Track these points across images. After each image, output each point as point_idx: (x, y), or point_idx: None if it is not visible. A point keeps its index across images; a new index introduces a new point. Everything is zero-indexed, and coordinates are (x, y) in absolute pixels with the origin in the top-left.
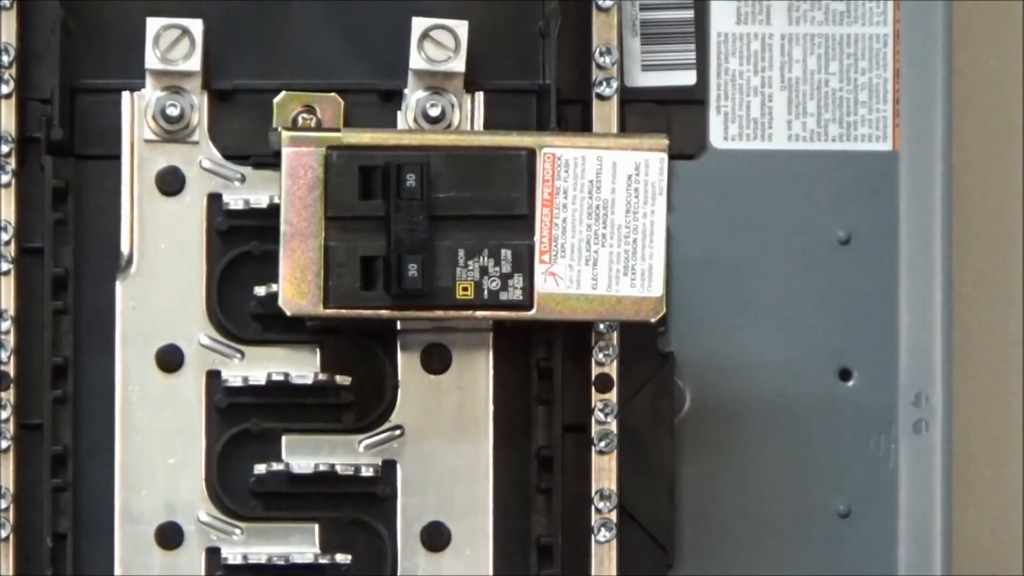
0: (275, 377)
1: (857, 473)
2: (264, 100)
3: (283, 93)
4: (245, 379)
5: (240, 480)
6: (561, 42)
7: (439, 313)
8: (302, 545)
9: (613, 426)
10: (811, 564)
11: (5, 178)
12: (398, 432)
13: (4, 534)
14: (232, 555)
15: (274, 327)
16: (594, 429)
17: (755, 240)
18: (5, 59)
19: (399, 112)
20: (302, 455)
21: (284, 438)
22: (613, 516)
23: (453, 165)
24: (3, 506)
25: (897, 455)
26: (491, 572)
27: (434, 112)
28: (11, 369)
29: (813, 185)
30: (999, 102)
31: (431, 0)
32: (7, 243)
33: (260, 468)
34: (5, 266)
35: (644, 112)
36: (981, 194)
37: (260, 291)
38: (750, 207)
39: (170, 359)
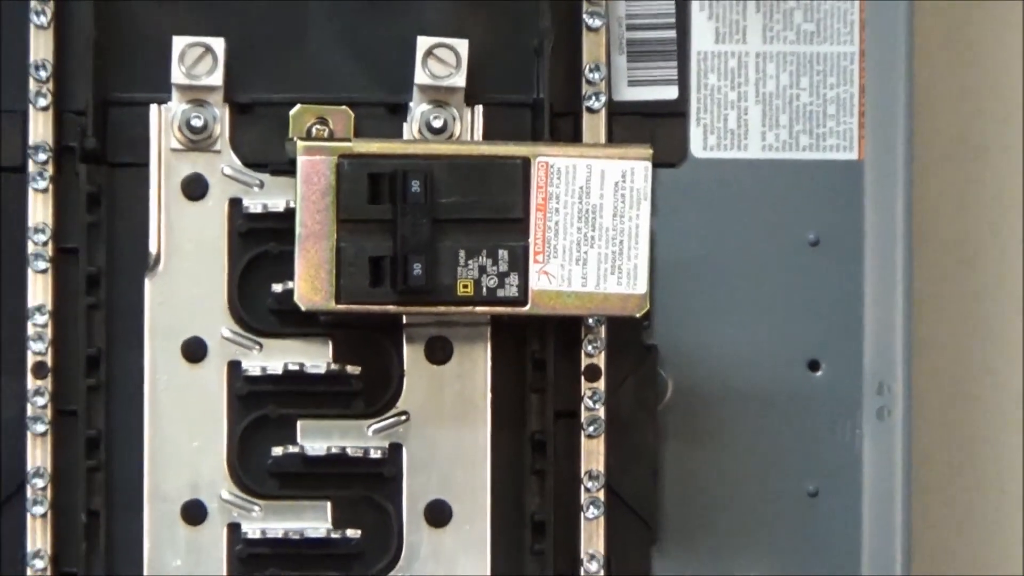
0: (291, 367)
1: (825, 456)
2: (281, 112)
3: (298, 106)
4: (263, 369)
5: (259, 461)
6: (554, 60)
7: (441, 309)
8: (315, 521)
9: (601, 412)
10: (783, 539)
11: (43, 184)
12: (404, 418)
13: (42, 511)
14: (251, 530)
15: (290, 321)
16: (583, 415)
17: (732, 242)
18: (43, 74)
19: (405, 124)
20: (316, 439)
21: (299, 423)
22: (601, 495)
23: (454, 172)
24: (41, 485)
25: (861, 439)
26: (488, 546)
27: (437, 124)
28: (49, 359)
29: (785, 191)
30: (957, 114)
31: (434, 20)
32: (45, 244)
33: (277, 450)
34: (43, 265)
35: (630, 124)
36: (940, 199)
37: (277, 288)
38: (727, 211)
39: (194, 350)
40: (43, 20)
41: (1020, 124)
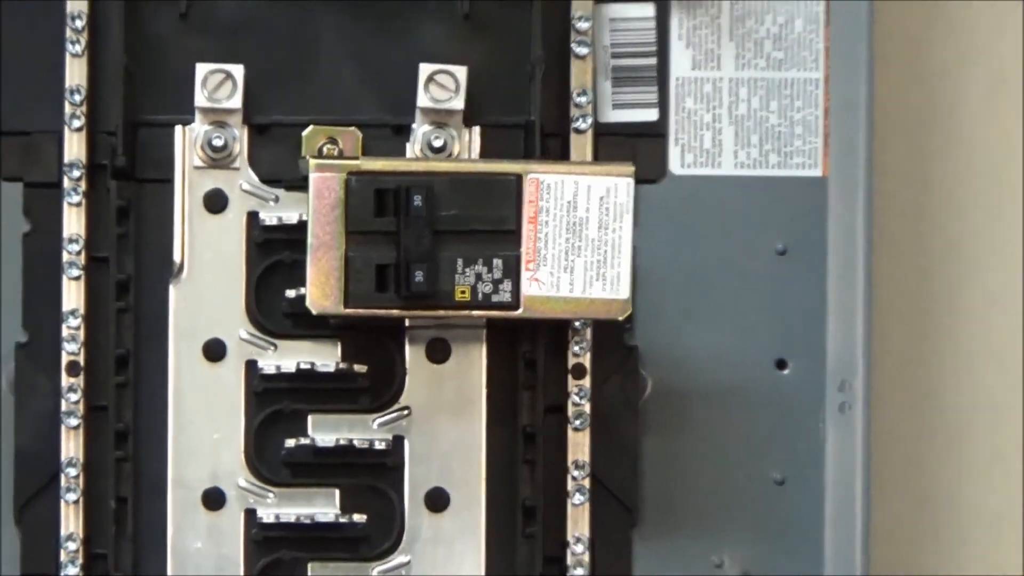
0: (303, 366)
1: (791, 447)
2: (295, 133)
3: (311, 127)
4: (278, 367)
5: (273, 452)
6: (544, 85)
7: (441, 312)
8: (325, 507)
9: (586, 407)
10: (753, 523)
11: (77, 198)
12: (406, 412)
13: (75, 498)
14: (266, 515)
15: (302, 324)
16: (570, 410)
17: (706, 251)
18: (77, 98)
19: (408, 143)
20: (325, 431)
21: (310, 417)
22: (586, 483)
23: (453, 188)
24: (74, 474)
25: (825, 432)
26: (483, 530)
27: (437, 143)
28: (81, 359)
29: (755, 205)
30: (914, 135)
31: (436, 48)
32: (78, 253)
33: (290, 442)
34: (76, 272)
35: (614, 144)
36: (898, 211)
37: (291, 293)
38: (703, 224)
39: (214, 351)
40: (78, 49)
41: (972, 144)
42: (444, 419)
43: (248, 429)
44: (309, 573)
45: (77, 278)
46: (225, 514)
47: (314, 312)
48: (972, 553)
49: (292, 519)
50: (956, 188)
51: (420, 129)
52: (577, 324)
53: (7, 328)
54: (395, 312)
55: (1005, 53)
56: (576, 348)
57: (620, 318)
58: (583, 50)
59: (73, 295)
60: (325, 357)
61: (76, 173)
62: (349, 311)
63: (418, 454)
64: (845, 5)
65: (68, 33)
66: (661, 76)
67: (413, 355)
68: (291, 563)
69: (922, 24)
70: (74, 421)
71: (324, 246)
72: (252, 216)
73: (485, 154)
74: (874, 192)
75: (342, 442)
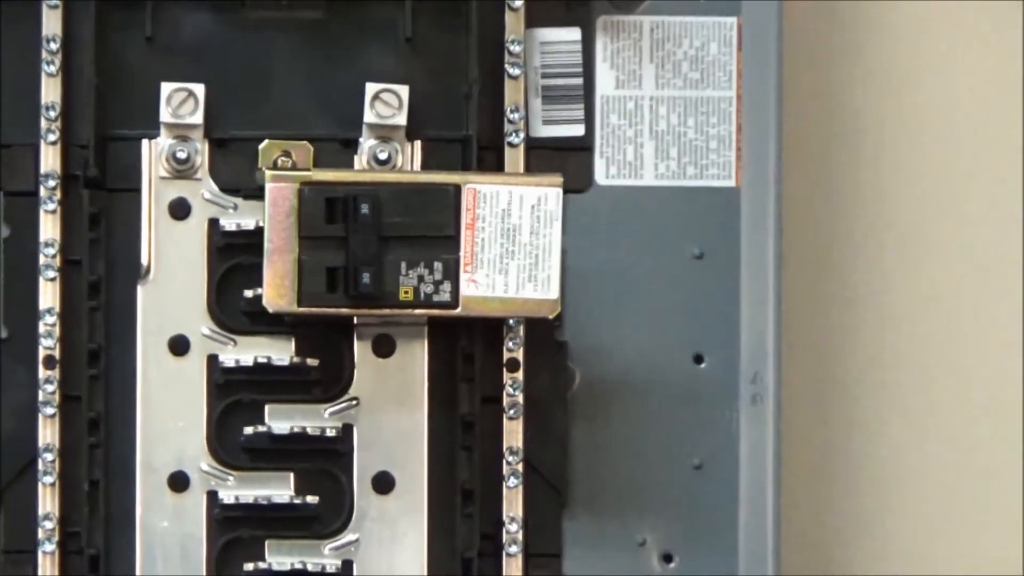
0: (260, 360)
1: (708, 434)
2: (252, 147)
3: (266, 141)
4: (237, 361)
5: (233, 439)
6: (480, 102)
7: (386, 311)
8: (280, 489)
9: (520, 398)
10: (673, 505)
11: (52, 206)
12: (355, 402)
13: (51, 480)
14: (227, 496)
15: (259, 321)
16: (505, 400)
17: (629, 255)
18: (52, 114)
19: (355, 156)
20: (281, 419)
21: (267, 407)
22: (520, 467)
23: (397, 197)
24: (51, 459)
25: (738, 421)
26: (426, 510)
27: (383, 156)
28: (57, 353)
29: (674, 212)
30: (820, 148)
31: (381, 69)
32: (54, 256)
33: (248, 430)
34: (52, 274)
35: (544, 156)
36: (805, 218)
37: (249, 293)
38: (626, 230)
39: (179, 346)
40: (52, 69)
41: (875, 155)
42: (389, 409)
43: (210, 418)
44: (266, 550)
45: (53, 279)
46: (189, 495)
47: (270, 310)
48: (877, 532)
49: (251, 500)
50: (858, 196)
51: (366, 143)
52: (511, 322)
53: None
54: (344, 311)
55: (904, 72)
56: (510, 344)
57: (550, 316)
58: (516, 71)
59: (49, 295)
60: (280, 352)
61: (51, 183)
62: (302, 310)
63: (366, 441)
64: (756, 30)
65: (43, 54)
66: (587, 94)
67: (361, 350)
68: (250, 541)
69: (828, 47)
70: (50, 410)
71: (279, 250)
72: (213, 223)
73: (426, 166)
74: (783, 200)
75: (296, 430)
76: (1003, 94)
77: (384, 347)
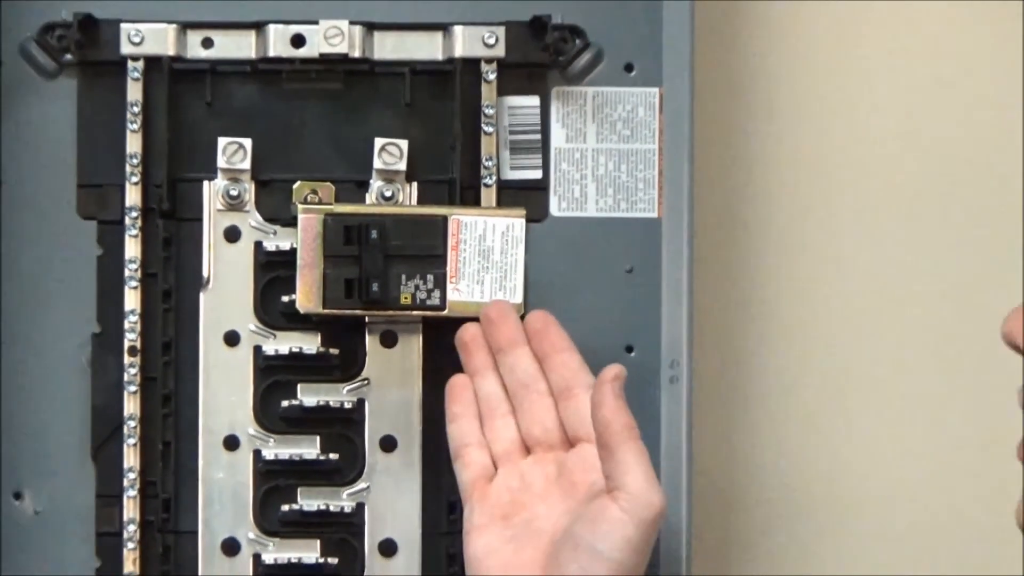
0: (293, 349)
1: (637, 409)
2: (287, 186)
3: (299, 182)
4: (276, 350)
5: (273, 410)
6: (462, 153)
7: (390, 312)
8: (309, 448)
9: None
10: None
11: (135, 232)
12: (366, 382)
13: (134, 441)
14: (268, 454)
15: (293, 320)
16: None
17: (576, 269)
18: (135, 161)
19: (367, 194)
20: (309, 395)
21: (299, 385)
22: None
23: (399, 225)
24: (133, 425)
25: (660, 399)
26: (420, 464)
27: (388, 194)
28: (138, 344)
29: (611, 237)
30: (724, 187)
31: (387, 126)
32: (135, 270)
33: (285, 403)
34: (135, 284)
35: (511, 194)
36: (711, 241)
37: (285, 299)
38: (574, 250)
39: (231, 339)
40: (135, 127)
41: (766, 190)
42: (393, 387)
43: (255, 394)
44: (298, 495)
45: (135, 288)
46: (239, 453)
47: (301, 312)
48: (774, 483)
49: (286, 457)
50: (753, 221)
51: (375, 184)
52: None
53: (86, 323)
54: (358, 312)
55: (789, 129)
56: None
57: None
58: (490, 129)
59: (132, 300)
60: (309, 343)
61: (134, 214)
62: (326, 311)
63: (374, 411)
64: (673, 98)
65: (128, 116)
66: (544, 147)
67: (371, 342)
68: (286, 488)
69: (729, 110)
70: (133, 388)
71: (308, 266)
72: (258, 245)
73: (421, 201)
74: (694, 227)
75: (321, 403)
76: (889, 138)
77: (389, 340)
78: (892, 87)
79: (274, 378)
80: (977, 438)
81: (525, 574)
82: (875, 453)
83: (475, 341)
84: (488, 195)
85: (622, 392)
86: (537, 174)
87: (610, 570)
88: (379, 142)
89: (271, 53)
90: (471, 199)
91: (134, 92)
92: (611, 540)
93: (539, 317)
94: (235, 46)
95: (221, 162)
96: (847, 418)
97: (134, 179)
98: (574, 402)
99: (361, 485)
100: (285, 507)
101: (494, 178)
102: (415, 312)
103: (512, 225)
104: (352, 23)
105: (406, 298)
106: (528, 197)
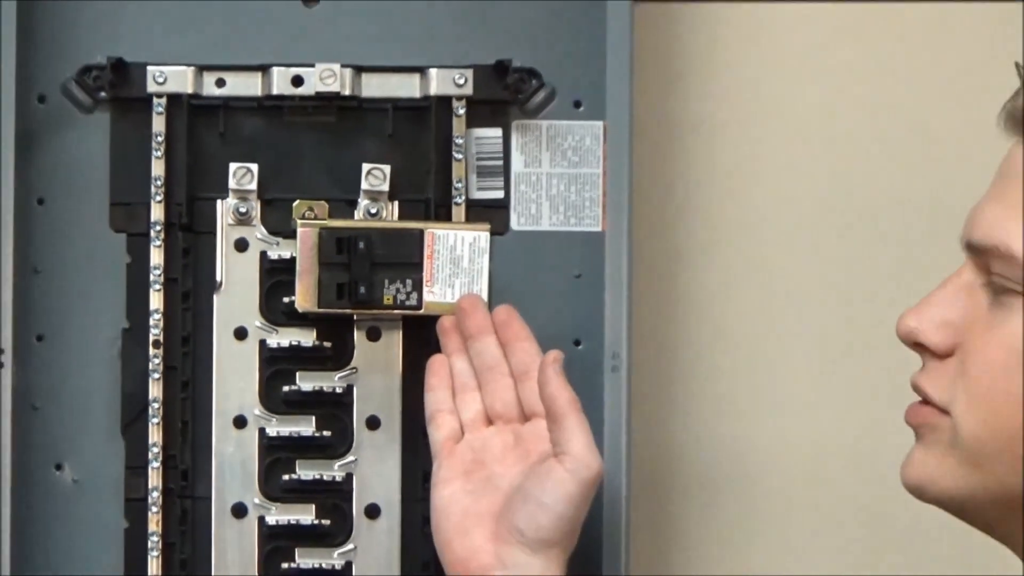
0: (293, 343)
1: (585, 394)
2: (288, 205)
3: (297, 201)
4: (278, 344)
5: (276, 394)
6: (436, 176)
7: (375, 311)
8: (306, 427)
9: None
10: None
11: (158, 243)
12: (355, 371)
13: (157, 421)
14: (271, 432)
15: (293, 317)
16: None
17: (533, 275)
18: (159, 183)
19: (356, 211)
20: (307, 382)
21: (298, 373)
22: None
23: (383, 237)
24: (157, 407)
25: (603, 385)
26: (400, 440)
27: (373, 211)
28: (161, 338)
29: (563, 247)
30: (658, 205)
31: (373, 152)
32: (159, 275)
33: (286, 388)
34: (158, 286)
35: (478, 212)
36: (647, 250)
37: (286, 300)
38: (531, 259)
39: (241, 334)
40: (159, 153)
41: (698, 206)
42: (377, 375)
43: (261, 380)
44: (297, 466)
45: (159, 290)
46: (247, 431)
47: (300, 311)
48: (706, 457)
49: (287, 434)
50: (684, 234)
51: (363, 202)
52: None
53: (117, 320)
54: (348, 311)
55: (717, 154)
56: None
57: None
58: (459, 156)
59: (156, 300)
60: (306, 338)
61: (158, 228)
62: (321, 310)
63: (362, 395)
64: (615, 129)
65: (153, 144)
66: (506, 171)
67: (359, 336)
68: (286, 460)
69: (664, 138)
70: (156, 375)
71: (306, 271)
72: (263, 254)
73: (402, 217)
74: (633, 239)
75: (316, 388)
76: (796, 163)
77: (374, 335)
78: (799, 121)
79: (276, 367)
80: (882, 419)
81: (481, 521)
82: (785, 432)
83: (452, 328)
84: (458, 212)
85: (562, 371)
86: (500, 194)
87: (552, 520)
88: (366, 167)
89: (275, 91)
90: (444, 215)
91: (158, 124)
92: (555, 495)
93: (504, 310)
94: (244, 85)
95: (232, 184)
96: (762, 402)
97: (158, 198)
98: (531, 384)
99: (350, 458)
100: (285, 476)
101: (463, 198)
102: (396, 311)
103: (478, 237)
104: (343, 66)
105: (388, 299)
106: (492, 214)
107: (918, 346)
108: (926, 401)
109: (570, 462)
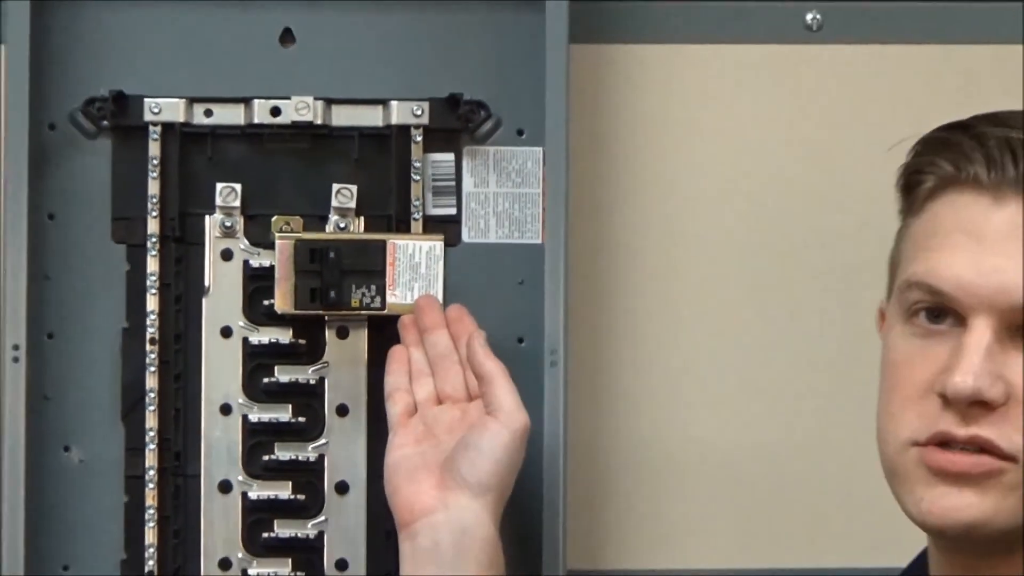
0: (272, 340)
1: (527, 387)
2: (267, 220)
3: (276, 216)
4: (260, 341)
5: (257, 384)
6: (397, 195)
7: (344, 312)
8: (283, 414)
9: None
10: None
11: (154, 252)
12: (326, 364)
13: (153, 408)
14: (253, 418)
15: (272, 318)
16: None
17: (483, 283)
18: (154, 200)
19: (327, 225)
20: (285, 375)
21: (276, 367)
22: None
23: (351, 248)
24: (153, 396)
25: (543, 379)
26: (366, 425)
27: (343, 224)
28: (156, 335)
29: (507, 257)
30: (592, 220)
31: (341, 174)
32: (154, 281)
33: (266, 380)
34: (154, 290)
35: (433, 225)
36: (582, 260)
37: (266, 303)
38: (480, 268)
39: (227, 332)
40: (154, 174)
41: (636, 220)
42: (345, 368)
43: (244, 372)
44: (275, 448)
45: (154, 294)
46: (231, 418)
47: (278, 312)
48: (644, 450)
49: (267, 420)
50: (616, 247)
51: (333, 218)
52: None
53: (118, 320)
54: (320, 312)
55: (649, 177)
56: None
57: None
58: (417, 177)
59: (152, 303)
60: (284, 336)
61: (153, 239)
62: (297, 312)
63: (332, 386)
64: (553, 154)
65: (149, 166)
66: (458, 191)
67: (330, 335)
68: (266, 443)
69: (600, 163)
70: (152, 368)
71: (284, 278)
72: (246, 263)
73: (367, 230)
74: (569, 249)
75: (292, 380)
76: (717, 181)
77: (343, 333)
78: (715, 146)
79: (258, 361)
80: (795, 411)
81: (429, 472)
82: (698, 424)
83: (411, 324)
84: (416, 226)
85: (487, 344)
86: (452, 211)
87: (490, 464)
88: (336, 187)
89: (256, 121)
90: (404, 229)
91: (154, 149)
92: (492, 443)
93: (456, 309)
94: (229, 115)
95: (218, 201)
96: (689, 394)
97: (154, 214)
98: None
99: (322, 441)
100: (266, 457)
101: (421, 213)
102: (363, 312)
103: (434, 247)
104: (316, 99)
105: (356, 302)
106: (445, 227)
107: (976, 404)
108: (984, 450)
109: (503, 416)
